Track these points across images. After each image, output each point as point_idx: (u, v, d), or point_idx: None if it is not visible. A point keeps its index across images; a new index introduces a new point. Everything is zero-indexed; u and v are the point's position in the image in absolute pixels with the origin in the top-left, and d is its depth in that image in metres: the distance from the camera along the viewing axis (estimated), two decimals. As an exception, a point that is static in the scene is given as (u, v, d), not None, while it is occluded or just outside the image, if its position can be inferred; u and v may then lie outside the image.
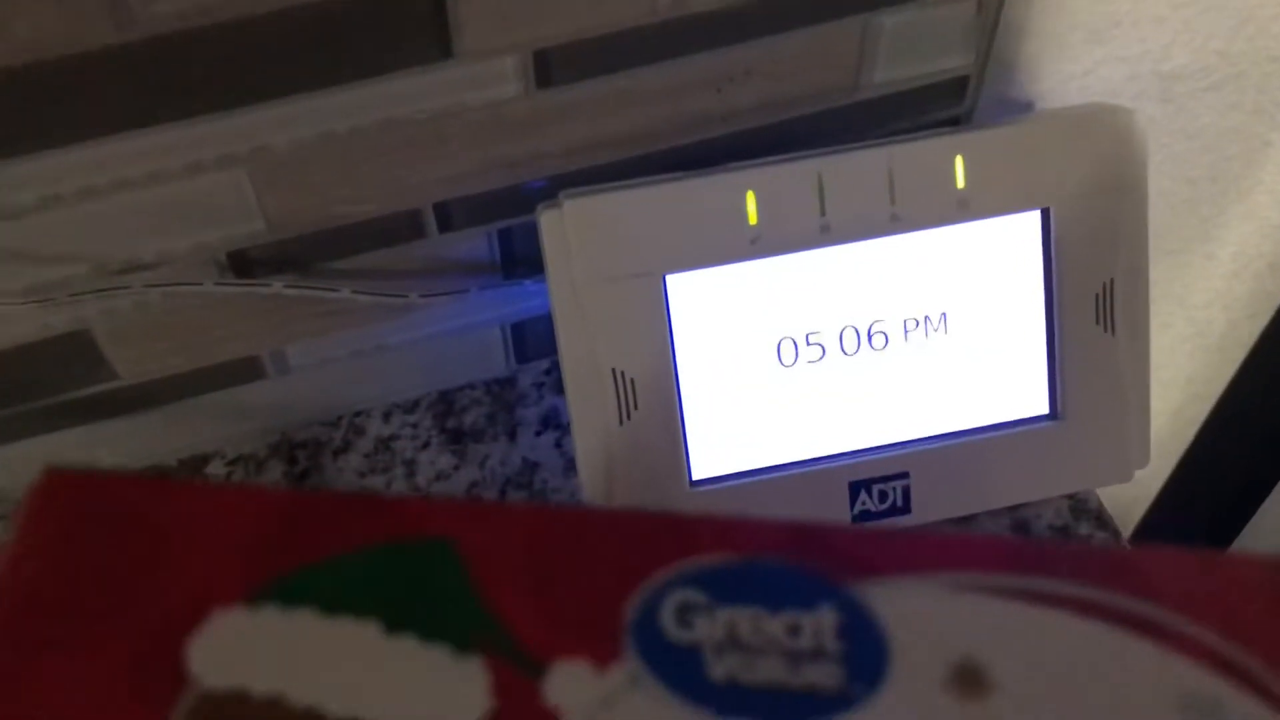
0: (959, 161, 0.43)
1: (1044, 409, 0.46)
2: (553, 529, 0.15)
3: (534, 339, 0.53)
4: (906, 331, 0.44)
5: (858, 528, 0.15)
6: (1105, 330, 0.45)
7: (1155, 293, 0.69)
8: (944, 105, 0.49)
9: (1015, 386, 0.46)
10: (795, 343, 0.44)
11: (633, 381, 0.43)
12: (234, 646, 0.14)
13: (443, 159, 0.43)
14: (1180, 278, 0.69)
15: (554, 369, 0.54)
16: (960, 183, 0.43)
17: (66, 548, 0.15)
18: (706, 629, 0.14)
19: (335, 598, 0.14)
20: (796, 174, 0.42)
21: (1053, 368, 0.45)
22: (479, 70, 0.41)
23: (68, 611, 0.14)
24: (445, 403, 0.53)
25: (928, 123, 0.49)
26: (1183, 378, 0.78)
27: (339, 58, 0.39)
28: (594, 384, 0.43)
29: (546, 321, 0.52)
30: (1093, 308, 0.45)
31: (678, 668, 0.14)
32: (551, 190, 0.45)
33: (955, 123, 0.50)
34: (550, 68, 0.42)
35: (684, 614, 0.15)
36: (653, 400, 0.43)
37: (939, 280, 0.44)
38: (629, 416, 0.43)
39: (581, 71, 0.42)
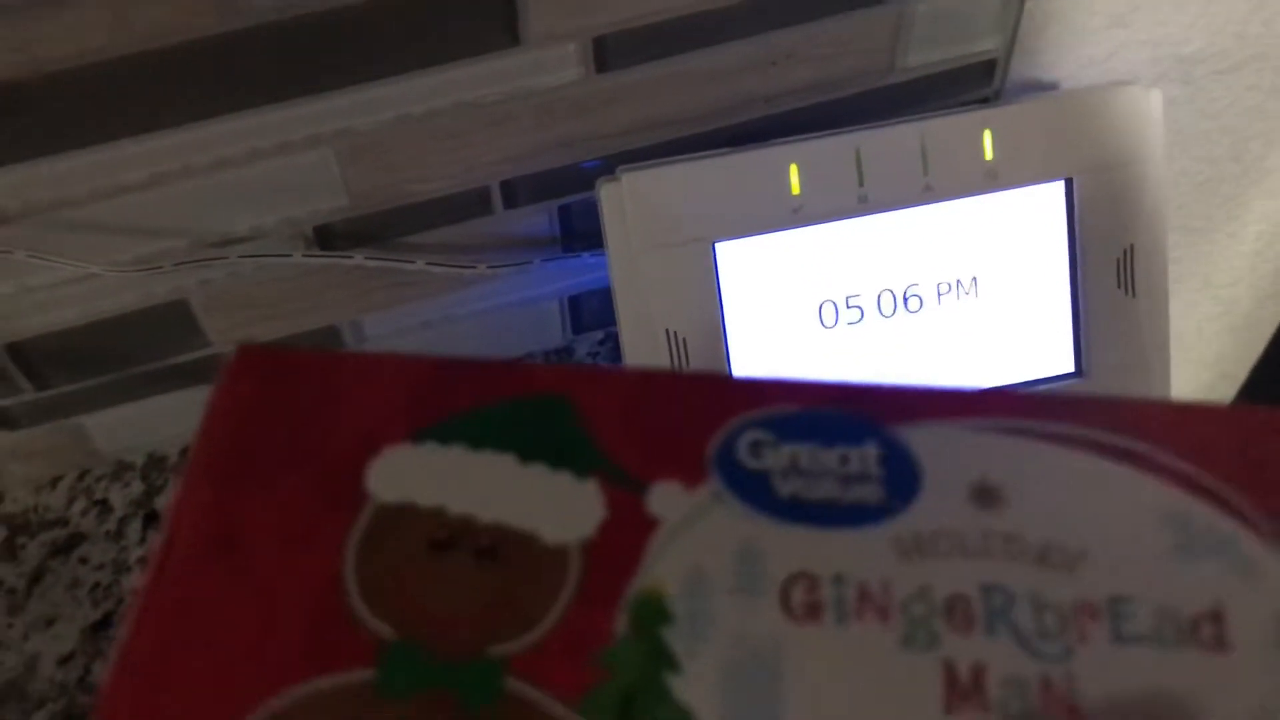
0: (987, 135, 0.46)
1: (1069, 367, 0.49)
2: (648, 386, 0.19)
3: (589, 311, 0.56)
4: (940, 295, 0.48)
5: (894, 386, 0.19)
6: (1126, 293, 0.48)
7: (1181, 271, 0.71)
8: (974, 87, 0.53)
9: (1042, 346, 0.49)
10: (836, 305, 0.47)
11: (685, 341, 0.46)
12: (402, 472, 0.18)
13: (509, 139, 0.47)
14: (1205, 256, 0.71)
15: (608, 339, 0.57)
16: (989, 155, 0.46)
17: (260, 402, 0.19)
18: (773, 459, 0.18)
19: (481, 437, 0.18)
20: (836, 148, 0.45)
21: (1077, 328, 0.49)
22: (543, 56, 0.45)
23: (267, 449, 0.18)
24: (508, 371, 0.56)
25: (958, 103, 0.53)
26: (1211, 356, 0.81)
27: (416, 46, 0.43)
28: (649, 343, 0.46)
29: (602, 294, 0.55)
30: (1114, 272, 0.48)
31: (752, 487, 0.18)
32: (607, 168, 0.48)
33: (984, 103, 0.53)
34: (608, 53, 0.45)
35: (755, 448, 0.18)
36: (703, 358, 0.46)
37: (970, 246, 0.47)
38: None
39: (636, 56, 0.46)
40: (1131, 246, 0.48)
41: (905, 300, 0.47)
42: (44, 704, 0.47)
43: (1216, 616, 0.17)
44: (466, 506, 0.17)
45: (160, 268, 0.45)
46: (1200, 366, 0.81)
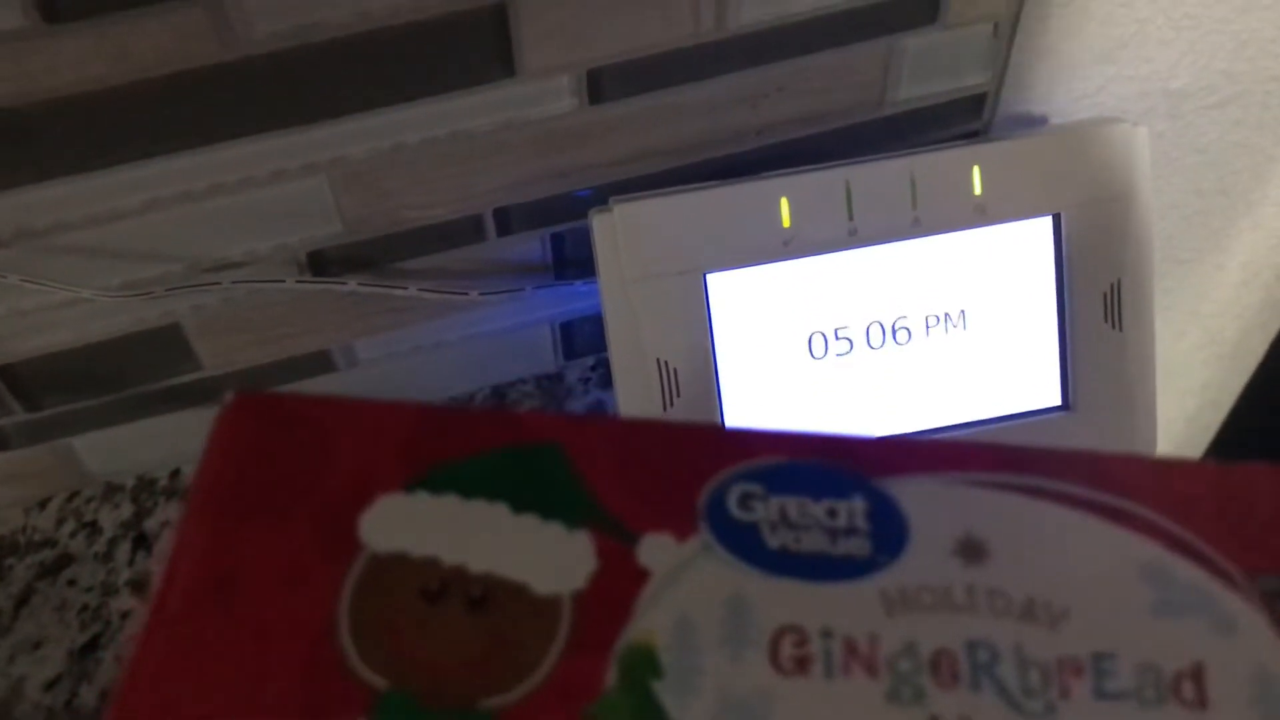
0: (977, 171, 0.46)
1: (1056, 400, 0.49)
2: (641, 436, 0.19)
3: (581, 337, 0.57)
4: (928, 328, 0.48)
5: (882, 439, 0.19)
6: (1113, 327, 0.49)
7: (1169, 301, 0.72)
8: (963, 121, 0.53)
9: (1029, 379, 0.49)
10: (825, 337, 0.48)
11: (676, 371, 0.46)
12: (395, 522, 0.18)
13: (503, 168, 0.48)
14: (1192, 287, 0.72)
15: (599, 365, 0.58)
16: (978, 190, 0.46)
17: (257, 448, 0.19)
18: (763, 511, 0.18)
19: (472, 486, 0.18)
20: (826, 181, 0.46)
21: (1064, 362, 0.49)
22: (538, 88, 0.45)
23: (263, 495, 0.18)
24: (498, 396, 0.57)
25: (948, 137, 0.53)
26: (1198, 385, 0.81)
27: (413, 76, 0.43)
28: (640, 372, 0.46)
29: (593, 321, 0.56)
30: (1101, 306, 0.48)
31: (741, 539, 0.18)
32: (600, 198, 0.49)
33: (974, 137, 0.54)
34: (602, 85, 0.46)
35: (745, 500, 0.18)
36: (694, 388, 0.47)
37: (958, 280, 0.48)
38: (672, 403, 0.47)
39: (630, 88, 0.46)
40: (1119, 281, 0.48)
41: (894, 333, 0.48)
42: (30, 727, 0.47)
43: (1197, 674, 0.17)
44: (458, 556, 0.18)
45: (152, 293, 0.45)
46: (1187, 395, 0.82)
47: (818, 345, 0.48)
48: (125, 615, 0.50)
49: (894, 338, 0.48)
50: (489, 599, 0.17)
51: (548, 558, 0.18)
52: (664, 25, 0.44)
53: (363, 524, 0.18)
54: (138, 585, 0.51)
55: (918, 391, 0.49)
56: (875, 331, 0.48)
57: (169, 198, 0.44)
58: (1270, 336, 0.77)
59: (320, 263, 0.48)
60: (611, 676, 0.17)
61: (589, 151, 0.48)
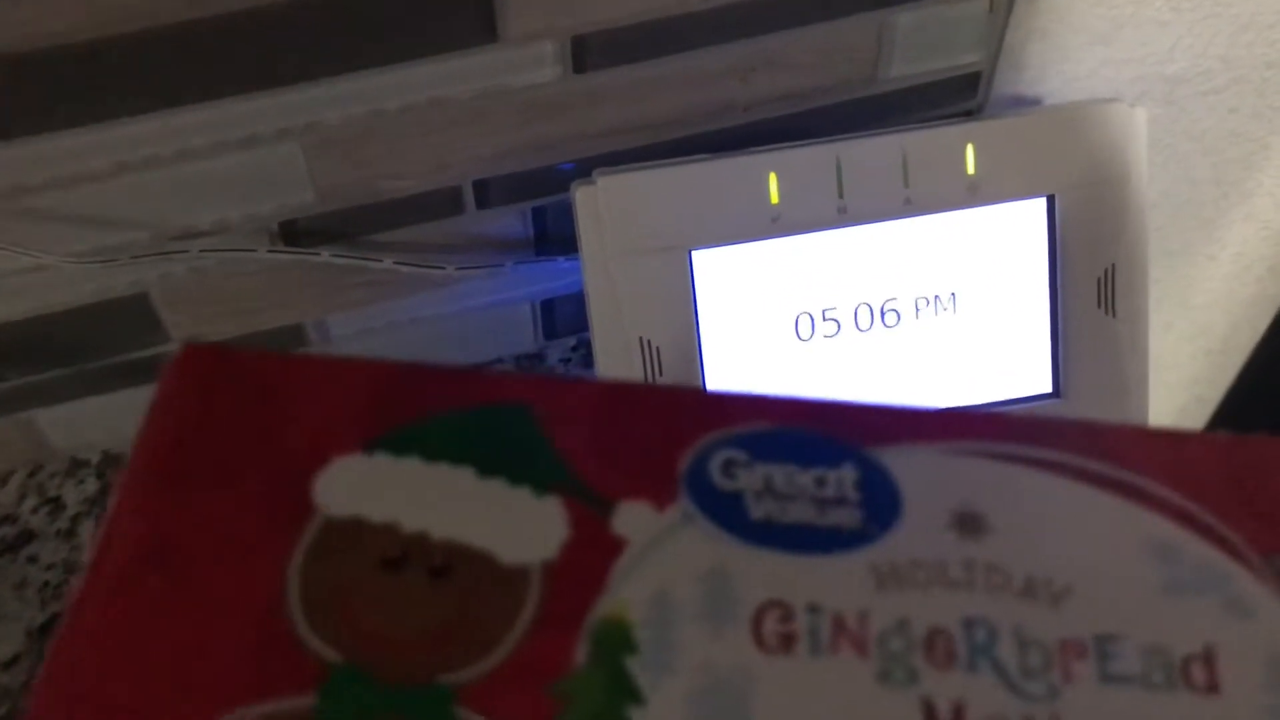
0: (970, 149, 0.45)
1: (1047, 387, 0.48)
2: (617, 398, 0.18)
3: (562, 316, 0.55)
4: (918, 310, 0.47)
5: (874, 405, 0.18)
6: (1106, 313, 0.48)
7: (1158, 293, 0.71)
8: (956, 100, 0.52)
9: (1020, 365, 0.48)
10: (812, 318, 0.46)
11: (658, 350, 0.45)
12: (352, 485, 0.17)
13: (483, 138, 0.46)
14: (1182, 278, 0.71)
15: (580, 345, 0.56)
16: (971, 169, 0.45)
17: (205, 404, 0.17)
18: (747, 479, 0.17)
19: (436, 448, 0.17)
20: (816, 157, 0.44)
21: (1056, 347, 0.48)
22: (521, 54, 0.44)
23: (210, 455, 0.17)
24: (476, 375, 0.55)
25: (940, 117, 0.52)
26: (1187, 379, 0.80)
27: (392, 39, 0.42)
28: (622, 351, 0.45)
29: (575, 300, 0.54)
30: (1094, 291, 0.47)
31: (724, 508, 0.17)
32: (583, 171, 0.47)
33: (967, 117, 0.53)
34: (586, 54, 0.45)
35: (728, 468, 0.17)
36: (677, 368, 0.45)
37: (949, 261, 0.47)
38: (654, 382, 0.45)
39: (616, 58, 0.45)
40: (1113, 266, 0.47)
41: (883, 314, 0.47)
42: (-14, 707, 0.45)
43: (1208, 657, 0.16)
44: (420, 522, 0.16)
45: (118, 260, 0.44)
46: (1175, 389, 0.81)
47: (804, 326, 0.46)
48: (87, 593, 0.49)
49: (882, 320, 0.47)
50: (452, 568, 0.16)
51: (516, 525, 0.17)
52: (652, -7, 0.43)
53: (317, 486, 0.17)
54: (101, 563, 0.49)
55: (905, 375, 0.47)
56: (864, 313, 0.47)
57: (136, 161, 0.43)
58: (1261, 331, 0.77)
59: (292, 233, 0.47)
60: (582, 652, 0.16)
61: (572, 123, 0.47)
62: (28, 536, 0.50)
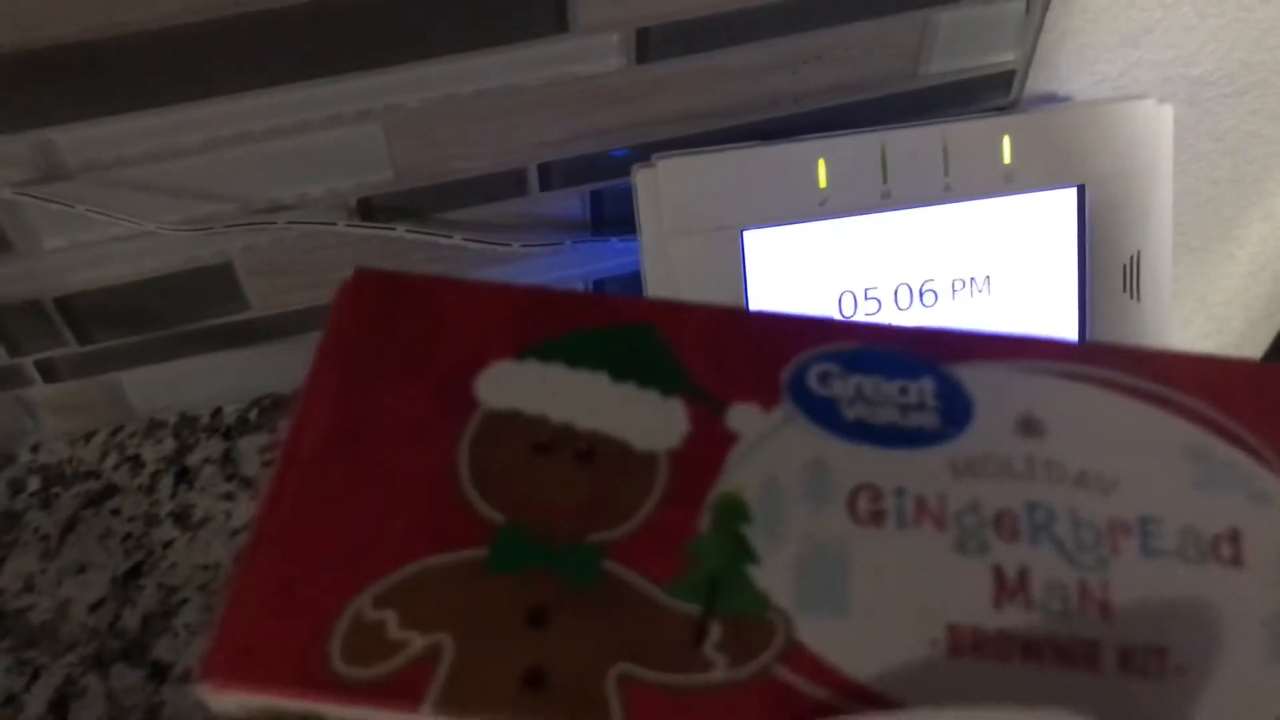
0: (1006, 140, 0.48)
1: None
2: (727, 319, 0.21)
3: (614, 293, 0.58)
4: (954, 291, 0.50)
5: (948, 329, 0.21)
6: (1131, 297, 0.50)
7: (1177, 288, 0.74)
8: (992, 97, 0.55)
9: (1049, 345, 0.51)
10: (855, 296, 0.49)
11: (710, 323, 0.48)
12: (508, 384, 0.20)
13: (549, 123, 0.49)
14: (1201, 275, 0.74)
15: (629, 324, 0.59)
16: (1007, 159, 0.48)
17: (379, 316, 0.21)
18: (840, 388, 0.20)
19: (577, 357, 0.20)
20: (863, 145, 0.47)
21: (1083, 329, 0.51)
22: (588, 44, 0.47)
23: (386, 357, 0.20)
24: (531, 350, 0.58)
25: (977, 111, 0.55)
26: (1202, 374, 0.83)
27: (469, 28, 0.45)
28: (676, 324, 0.48)
29: (626, 279, 0.57)
30: (1120, 277, 0.50)
31: (821, 410, 0.20)
32: (638, 157, 0.50)
33: (1001, 112, 0.56)
34: (649, 45, 0.48)
35: (824, 378, 0.20)
36: (727, 340, 0.48)
37: (985, 246, 0.49)
38: (706, 354, 0.48)
39: (675, 49, 0.48)
40: (1138, 253, 0.50)
41: (921, 295, 0.50)
42: (74, 647, 0.49)
43: (1234, 537, 0.19)
44: (566, 415, 0.19)
45: (213, 228, 0.47)
46: (1192, 383, 0.83)
47: (847, 304, 0.49)
48: (167, 545, 0.52)
49: (920, 299, 0.50)
50: (593, 452, 0.19)
51: (645, 420, 0.20)
52: (712, -12, 0.46)
53: (478, 384, 0.20)
54: (180, 517, 0.53)
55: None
56: (903, 293, 0.49)
57: (228, 137, 0.46)
58: (1276, 327, 0.79)
59: (367, 209, 0.50)
60: (705, 522, 0.19)
61: (632, 110, 0.50)
62: (110, 491, 0.53)
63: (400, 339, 0.20)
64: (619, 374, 0.20)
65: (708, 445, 0.19)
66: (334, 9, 0.43)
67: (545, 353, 0.20)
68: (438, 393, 0.20)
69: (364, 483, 0.19)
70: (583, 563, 0.18)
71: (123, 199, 0.46)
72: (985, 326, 0.50)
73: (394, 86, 0.46)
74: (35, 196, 0.44)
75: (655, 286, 0.48)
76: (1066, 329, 0.51)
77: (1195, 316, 0.77)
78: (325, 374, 0.20)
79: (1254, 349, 0.81)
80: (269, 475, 0.19)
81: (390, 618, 0.17)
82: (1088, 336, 0.51)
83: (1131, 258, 0.50)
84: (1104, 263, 0.50)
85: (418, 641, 0.17)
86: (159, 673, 0.48)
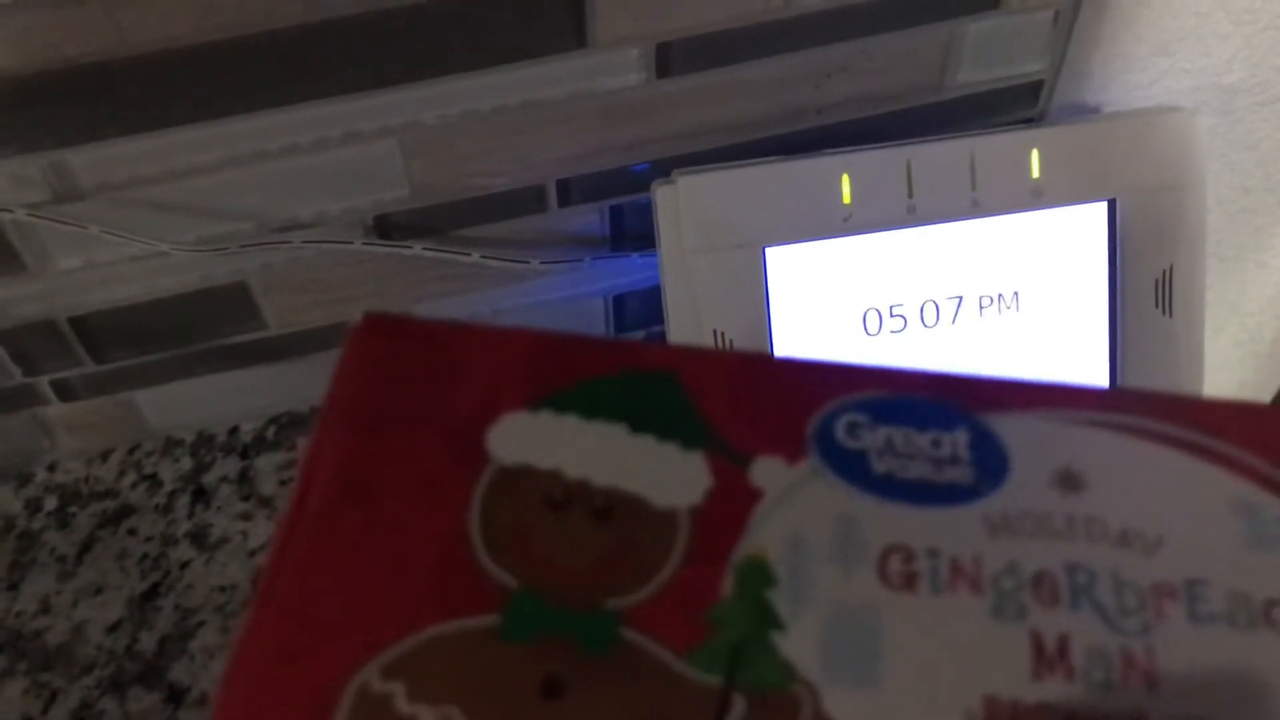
0: (1035, 154, 0.47)
1: (1105, 384, 0.50)
2: (750, 367, 0.20)
3: (633, 311, 0.58)
4: (982, 308, 0.49)
5: (982, 377, 0.20)
6: (1164, 313, 0.49)
7: (1210, 298, 0.72)
8: (1020, 108, 0.54)
9: (1079, 362, 0.50)
10: (880, 314, 0.48)
11: (731, 341, 0.47)
12: (520, 437, 0.19)
13: (568, 139, 0.48)
14: (1234, 284, 0.72)
15: (651, 339, 0.59)
16: (1035, 173, 0.47)
17: (388, 364, 0.20)
18: (869, 440, 0.19)
19: (593, 408, 0.19)
20: (888, 159, 0.46)
21: (1114, 346, 0.50)
22: (608, 59, 0.46)
23: (395, 408, 0.19)
24: (550, 366, 0.58)
25: (1004, 124, 0.54)
26: (1235, 382, 0.82)
27: (488, 44, 0.44)
28: (696, 342, 0.47)
29: (646, 295, 0.56)
30: (1152, 292, 0.49)
31: (849, 464, 0.19)
32: (659, 173, 0.50)
33: (1029, 123, 0.54)
34: (670, 59, 0.47)
35: (852, 429, 0.19)
36: (750, 360, 0.47)
37: (1013, 262, 0.48)
38: (728, 374, 0.48)
39: (696, 64, 0.47)
40: (1170, 268, 0.49)
41: (948, 312, 0.49)
42: (91, 669, 0.48)
43: (1287, 602, 0.18)
44: (582, 470, 0.19)
45: (227, 248, 0.47)
46: (1224, 391, 0.82)
47: (872, 322, 0.48)
48: (184, 565, 0.51)
49: (948, 317, 0.49)
50: (611, 510, 0.18)
51: (665, 475, 0.19)
52: (733, 1, 0.45)
53: (490, 438, 0.19)
54: (197, 537, 0.52)
55: (969, 371, 0.49)
56: (930, 310, 0.48)
57: (244, 156, 0.45)
58: (1310, 337, 0.78)
59: (385, 227, 0.49)
60: (728, 585, 0.18)
61: (652, 125, 0.49)
62: (127, 510, 0.53)
63: (410, 388, 0.20)
64: (637, 425, 0.19)
65: (731, 502, 0.19)
66: (351, 26, 0.42)
67: (560, 403, 0.19)
68: (449, 447, 0.19)
69: (373, 543, 0.18)
70: (600, 629, 0.17)
71: (137, 219, 0.46)
72: (1014, 344, 0.49)
73: (412, 103, 0.45)
74: (49, 218, 0.43)
75: (676, 307, 0.47)
76: (1097, 346, 0.50)
77: (1227, 325, 0.76)
78: (333, 426, 0.19)
79: (1287, 358, 0.80)
80: (277, 530, 0.18)
81: (398, 690, 0.17)
82: (1119, 354, 0.50)
83: (1164, 272, 0.49)
84: (1136, 278, 0.49)
85: (427, 715, 0.16)
86: (175, 696, 0.47)
